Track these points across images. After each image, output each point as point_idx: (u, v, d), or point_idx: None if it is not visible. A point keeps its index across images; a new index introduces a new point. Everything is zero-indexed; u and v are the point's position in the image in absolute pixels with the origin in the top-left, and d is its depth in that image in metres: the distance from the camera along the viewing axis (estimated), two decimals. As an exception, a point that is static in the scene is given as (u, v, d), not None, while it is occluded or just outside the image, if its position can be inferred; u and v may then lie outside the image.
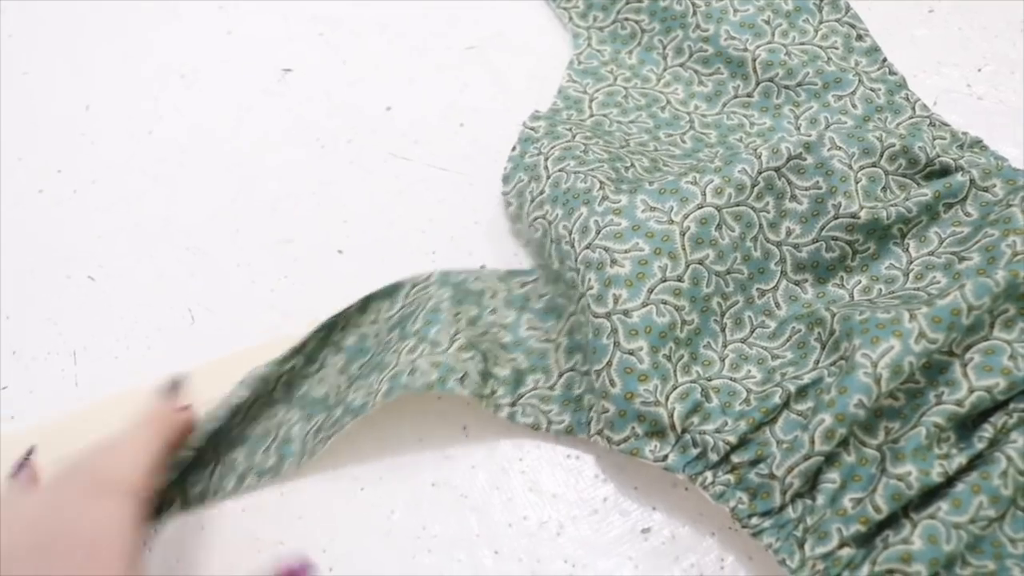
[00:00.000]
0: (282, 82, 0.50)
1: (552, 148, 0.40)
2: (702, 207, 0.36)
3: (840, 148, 0.37)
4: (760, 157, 0.36)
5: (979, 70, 0.45)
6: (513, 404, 0.36)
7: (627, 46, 0.47)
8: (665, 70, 0.46)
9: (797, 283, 0.37)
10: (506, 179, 0.42)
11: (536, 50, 0.49)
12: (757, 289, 0.37)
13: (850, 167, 0.37)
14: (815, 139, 0.37)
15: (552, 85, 0.47)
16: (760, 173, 0.36)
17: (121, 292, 0.45)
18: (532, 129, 0.42)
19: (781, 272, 0.37)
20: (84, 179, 0.49)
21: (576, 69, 0.47)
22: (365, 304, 0.40)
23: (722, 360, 0.35)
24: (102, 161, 0.49)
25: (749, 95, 0.43)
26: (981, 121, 0.42)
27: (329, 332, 0.39)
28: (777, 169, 0.37)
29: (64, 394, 0.42)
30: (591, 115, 0.44)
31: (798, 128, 0.42)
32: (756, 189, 0.36)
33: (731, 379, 0.34)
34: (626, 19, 0.47)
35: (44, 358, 0.43)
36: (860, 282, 0.36)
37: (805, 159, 0.37)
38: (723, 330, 0.36)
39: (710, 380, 0.34)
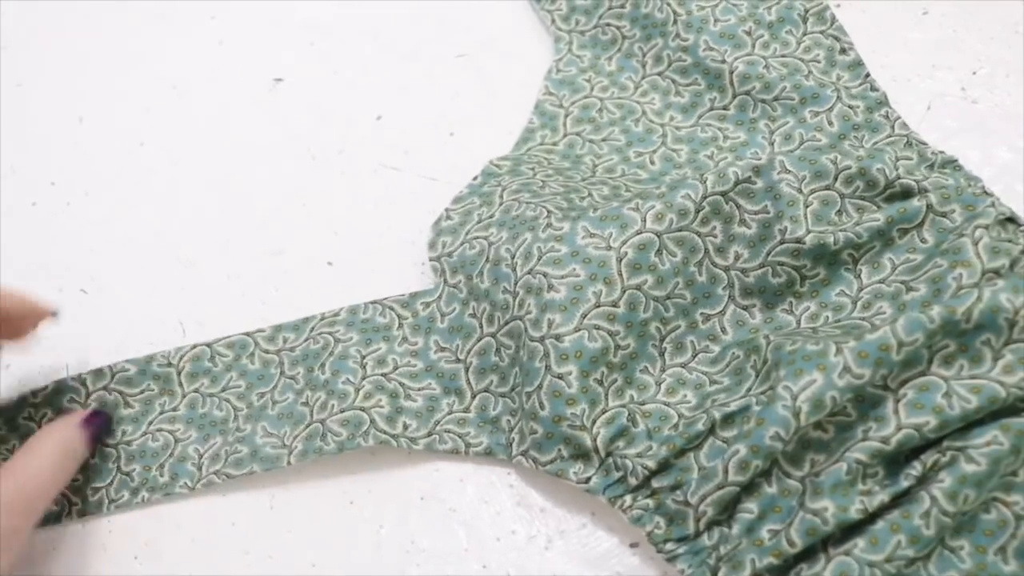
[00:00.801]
0: (273, 92, 0.50)
1: (511, 182, 0.41)
2: (641, 232, 0.36)
3: (790, 172, 0.36)
4: (705, 182, 0.36)
5: (974, 73, 0.44)
6: (429, 434, 0.37)
7: (607, 52, 0.46)
8: (643, 78, 0.45)
9: (745, 308, 0.37)
10: (457, 199, 0.42)
11: (527, 57, 0.49)
12: (701, 314, 0.37)
13: (799, 191, 0.36)
14: (765, 163, 0.37)
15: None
16: (705, 198, 0.36)
17: (113, 305, 0.45)
18: (497, 166, 0.43)
19: (728, 297, 0.37)
20: (77, 191, 0.49)
21: (553, 79, 0.46)
22: (275, 333, 0.41)
23: (658, 384, 0.35)
24: (95, 173, 0.49)
25: (725, 108, 0.43)
26: (976, 125, 0.42)
27: (238, 356, 0.41)
28: (724, 194, 0.36)
29: (58, 406, 0.42)
30: (565, 134, 0.45)
31: (772, 143, 0.41)
32: (701, 214, 0.36)
33: (665, 403, 0.35)
34: (608, 24, 0.47)
35: (37, 371, 0.43)
36: (809, 308, 0.36)
37: (754, 183, 0.37)
38: (662, 355, 0.36)
39: (643, 404, 0.35)
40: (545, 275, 0.35)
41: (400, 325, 0.40)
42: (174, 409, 0.41)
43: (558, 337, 0.34)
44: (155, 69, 0.53)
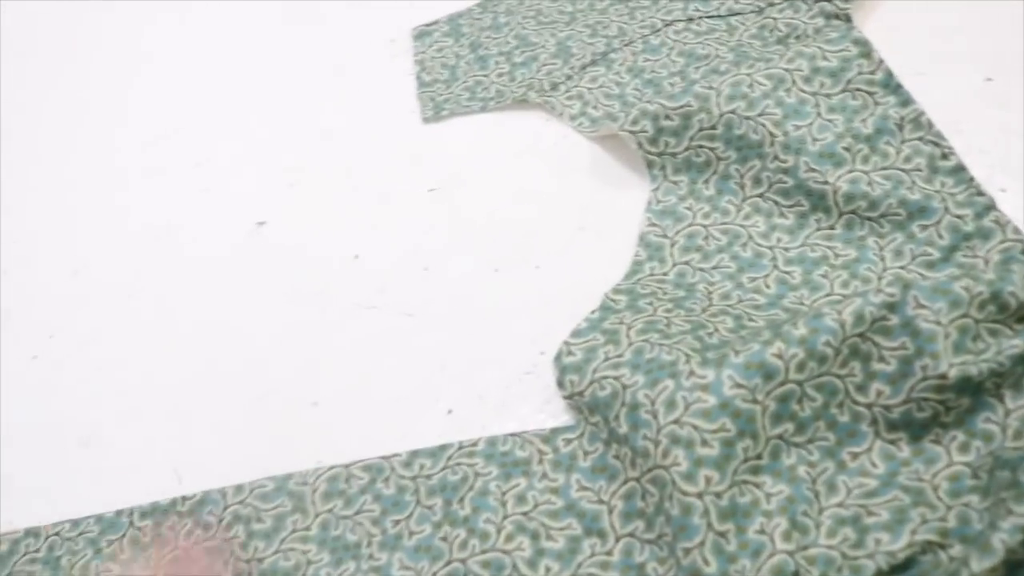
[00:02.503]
0: (256, 235, 0.53)
1: (635, 320, 0.41)
2: (784, 384, 0.36)
3: (925, 307, 0.36)
4: (844, 325, 0.36)
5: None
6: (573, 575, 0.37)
7: (703, 175, 0.46)
8: (744, 201, 0.45)
9: (892, 442, 0.37)
10: (577, 333, 0.42)
11: (494, 188, 0.50)
12: (849, 452, 0.37)
13: (938, 323, 0.36)
14: (899, 298, 0.37)
15: (511, 222, 0.49)
16: (844, 341, 0.37)
17: (111, 456, 0.46)
18: (614, 300, 0.43)
19: (874, 433, 0.37)
20: (74, 345, 0.51)
21: (655, 211, 0.46)
22: (411, 459, 0.41)
23: (818, 528, 0.35)
24: (91, 325, 0.51)
25: (832, 227, 0.43)
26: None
27: (373, 479, 0.41)
28: (862, 334, 0.37)
29: (59, 560, 0.43)
30: (673, 264, 0.45)
31: (883, 259, 0.41)
32: (840, 357, 0.37)
33: (827, 548, 0.35)
34: (700, 146, 0.46)
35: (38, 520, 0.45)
36: (956, 437, 0.36)
37: (890, 320, 0.37)
38: (817, 496, 0.36)
39: (806, 549, 0.35)
40: (696, 428, 0.36)
41: (540, 460, 0.40)
42: (306, 528, 0.41)
43: (718, 495, 0.35)
44: (145, 219, 0.55)
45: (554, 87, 0.53)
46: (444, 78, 0.55)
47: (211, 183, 0.56)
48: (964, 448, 0.36)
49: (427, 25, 0.59)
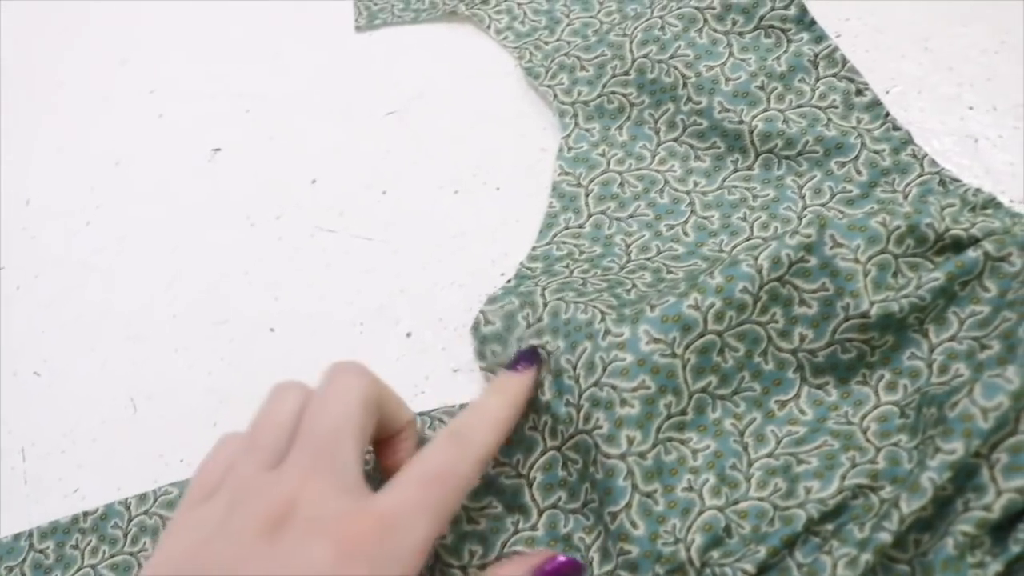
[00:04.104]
0: (212, 162, 0.51)
1: (549, 282, 0.40)
2: (703, 335, 0.35)
3: (842, 245, 0.35)
4: (761, 270, 0.35)
5: (887, 92, 0.45)
6: (498, 559, 0.36)
7: (616, 121, 0.45)
8: (659, 146, 0.44)
9: (819, 387, 0.36)
10: (492, 299, 0.41)
11: (455, 110, 0.49)
12: (776, 401, 0.36)
13: (856, 261, 0.35)
14: (815, 238, 0.36)
15: (471, 144, 0.48)
16: (762, 287, 0.35)
17: (66, 386, 0.46)
18: (529, 269, 0.42)
19: (801, 379, 0.36)
20: (27, 274, 0.50)
21: (567, 158, 0.45)
22: None
23: (748, 480, 0.34)
24: (44, 255, 0.50)
25: (749, 168, 0.42)
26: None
27: None
28: (780, 278, 0.35)
29: (15, 491, 0.43)
30: (589, 215, 0.43)
31: (803, 197, 0.41)
32: (759, 304, 0.35)
33: (758, 499, 0.34)
34: (613, 92, 0.45)
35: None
36: (883, 376, 0.35)
37: (808, 261, 0.36)
38: (745, 449, 0.35)
39: (737, 504, 0.34)
40: (614, 388, 0.34)
41: None
42: None
43: (641, 455, 0.33)
44: (98, 147, 0.54)
45: (484, 1, 0.52)
46: (382, -13, 0.55)
47: (165, 110, 0.54)
48: (891, 387, 0.35)
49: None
